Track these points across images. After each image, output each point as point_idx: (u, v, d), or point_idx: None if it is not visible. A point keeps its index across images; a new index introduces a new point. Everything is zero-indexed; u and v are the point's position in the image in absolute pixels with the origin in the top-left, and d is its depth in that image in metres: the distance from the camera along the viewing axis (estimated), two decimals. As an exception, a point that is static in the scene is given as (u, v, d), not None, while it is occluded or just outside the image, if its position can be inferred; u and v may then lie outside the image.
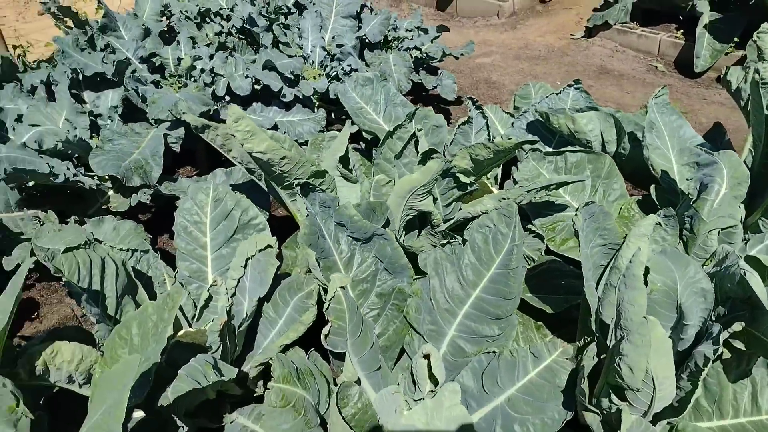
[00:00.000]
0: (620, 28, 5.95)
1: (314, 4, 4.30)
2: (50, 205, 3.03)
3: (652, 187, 2.60)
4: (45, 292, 3.07)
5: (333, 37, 4.21)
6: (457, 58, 4.61)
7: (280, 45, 4.05)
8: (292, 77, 3.67)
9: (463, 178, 2.47)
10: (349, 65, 3.86)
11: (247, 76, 3.48)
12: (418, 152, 2.75)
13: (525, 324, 2.24)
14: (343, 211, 1.87)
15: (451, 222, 2.48)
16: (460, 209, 2.68)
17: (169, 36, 4.37)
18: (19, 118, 3.19)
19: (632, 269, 1.46)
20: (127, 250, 2.37)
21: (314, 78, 3.96)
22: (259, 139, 2.07)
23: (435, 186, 2.56)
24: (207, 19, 4.57)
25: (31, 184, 2.96)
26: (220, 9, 4.75)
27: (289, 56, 4.04)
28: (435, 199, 2.62)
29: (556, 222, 2.58)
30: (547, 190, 2.28)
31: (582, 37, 6.19)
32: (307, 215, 1.85)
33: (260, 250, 1.95)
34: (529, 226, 2.53)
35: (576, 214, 1.89)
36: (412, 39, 4.55)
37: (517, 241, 1.89)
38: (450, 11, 7.28)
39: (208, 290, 2.16)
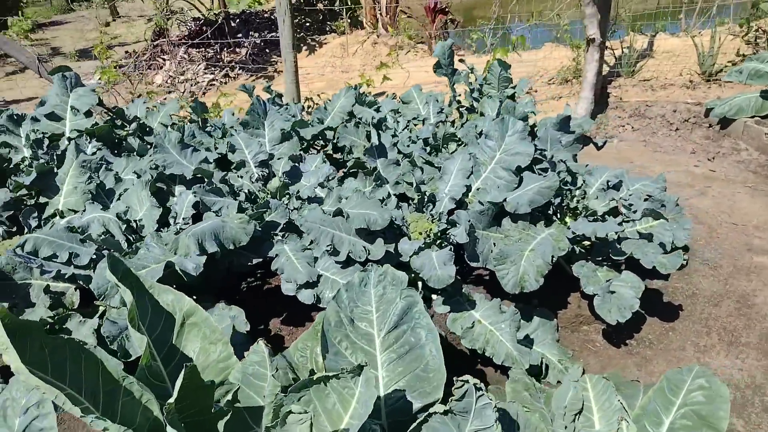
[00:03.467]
0: None
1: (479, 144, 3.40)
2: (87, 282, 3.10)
3: None
4: None
5: (478, 189, 3.26)
6: (668, 277, 3.03)
7: (405, 183, 3.33)
8: (368, 231, 2.96)
9: None
10: (454, 237, 2.90)
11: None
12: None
13: None
14: None
15: None
16: None
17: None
18: (123, 192, 3.39)
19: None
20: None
21: (419, 234, 3.12)
22: (11, 357, 1.56)
23: None
24: (384, 126, 4.15)
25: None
26: (416, 116, 4.28)
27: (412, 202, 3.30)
28: None
29: None
30: None
31: None
32: None
33: None
34: None
35: None
36: (608, 221, 3.20)
37: None
38: (784, 170, 5.09)
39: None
